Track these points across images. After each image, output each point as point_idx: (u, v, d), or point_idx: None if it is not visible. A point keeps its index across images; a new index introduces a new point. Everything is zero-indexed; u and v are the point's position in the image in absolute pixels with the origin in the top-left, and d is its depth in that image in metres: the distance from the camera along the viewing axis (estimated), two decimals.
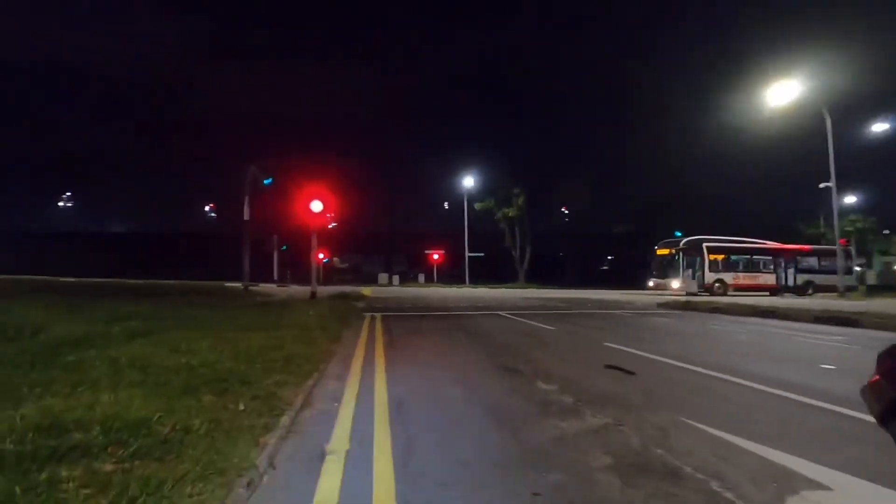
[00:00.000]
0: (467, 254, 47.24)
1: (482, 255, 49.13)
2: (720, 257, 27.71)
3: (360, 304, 16.78)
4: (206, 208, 67.75)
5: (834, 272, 25.89)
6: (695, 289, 25.70)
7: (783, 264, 29.18)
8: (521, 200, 49.90)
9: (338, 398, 4.37)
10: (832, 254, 26.74)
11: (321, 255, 51.97)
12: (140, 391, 3.53)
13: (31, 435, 2.48)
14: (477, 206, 50.93)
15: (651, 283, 29.51)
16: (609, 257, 73.57)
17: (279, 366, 5.06)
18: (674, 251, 27.92)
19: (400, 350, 7.17)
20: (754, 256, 29.32)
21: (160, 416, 2.96)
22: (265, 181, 26.45)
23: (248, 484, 2.36)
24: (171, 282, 29.19)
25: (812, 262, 29.96)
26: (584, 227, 65.32)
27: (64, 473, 2.13)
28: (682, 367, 6.12)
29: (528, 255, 51.44)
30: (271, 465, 2.69)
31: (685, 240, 28.59)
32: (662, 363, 6.44)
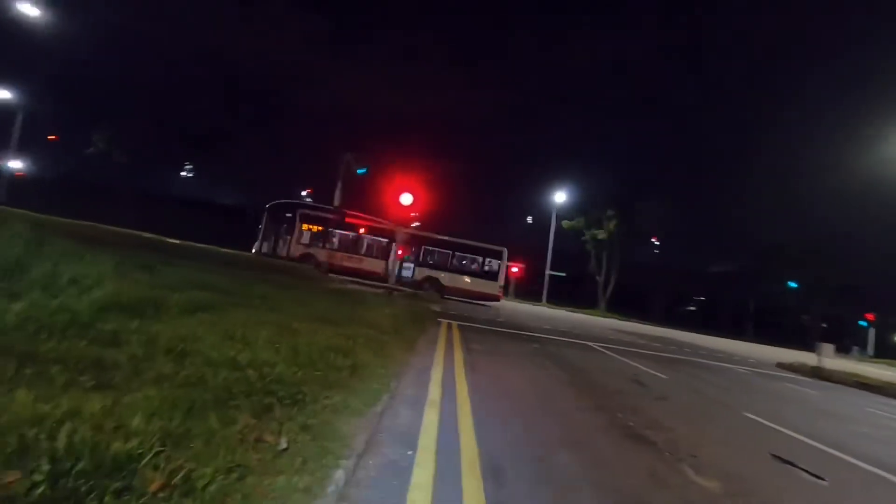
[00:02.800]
0: (548, 271, 44.93)
1: (563, 274, 46.54)
2: (316, 228, 22.64)
3: (436, 308, 15.78)
4: (304, 193, 71.15)
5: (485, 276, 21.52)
6: (286, 255, 21.51)
7: (400, 251, 22.27)
8: (612, 224, 46.80)
9: (412, 442, 3.19)
10: (486, 253, 22.45)
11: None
12: (156, 393, 2.58)
13: None
14: (565, 224, 48.54)
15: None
16: (698, 297, 67.26)
17: (343, 377, 4.00)
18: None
19: (483, 376, 5.90)
20: (363, 235, 23.12)
21: (158, 452, 1.93)
22: (359, 171, 26.57)
23: None
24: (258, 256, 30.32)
25: (456, 258, 23.49)
26: (675, 261, 59.97)
27: None
28: (882, 478, 4.26)
29: (612, 283, 48.08)
30: None
31: (278, 201, 23.36)
32: (847, 464, 4.59)
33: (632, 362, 9.79)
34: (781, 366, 15.56)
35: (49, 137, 59.69)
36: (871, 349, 39.83)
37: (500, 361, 7.29)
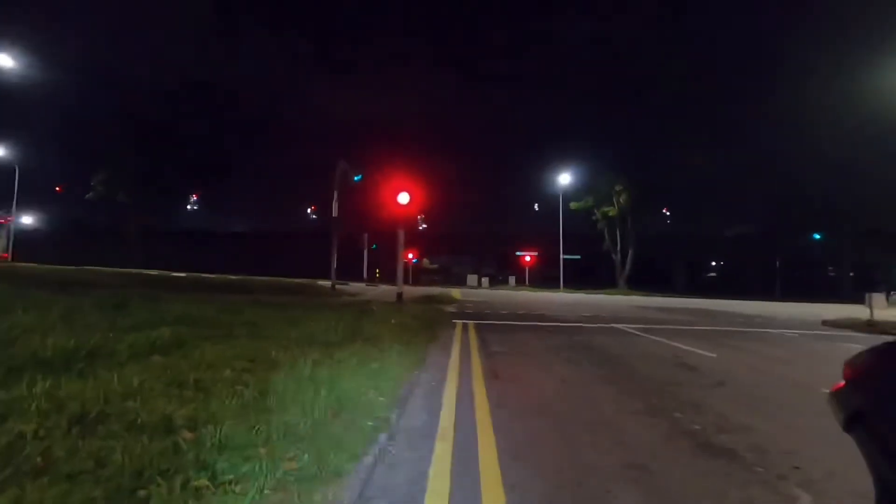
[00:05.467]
0: (562, 256, 43.73)
1: (578, 257, 45.30)
2: None
3: (450, 309, 14.88)
4: (308, 210, 70.80)
5: None
6: None
7: None
8: (623, 198, 45.41)
9: None
10: None
11: (410, 256, 51.69)
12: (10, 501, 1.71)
13: None
14: (573, 205, 47.29)
15: None
16: (717, 263, 65.22)
17: (323, 419, 3.11)
18: None
19: (507, 384, 4.97)
20: None
21: None
22: (355, 177, 25.77)
23: None
24: (266, 278, 29.73)
25: None
26: (691, 228, 58.15)
27: None
28: None
29: (629, 259, 46.65)
30: None
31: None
32: None
33: (670, 342, 8.77)
34: (828, 323, 14.35)
35: (56, 189, 60.09)
36: None
37: (525, 363, 6.35)
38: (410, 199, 14.81)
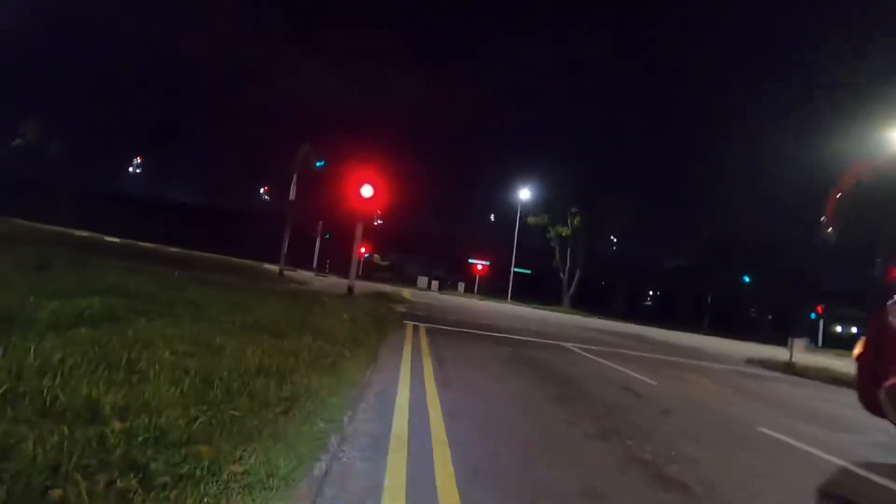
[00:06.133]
0: (513, 269, 44.44)
1: (529, 272, 46.23)
2: None
3: (401, 308, 14.64)
4: (262, 190, 68.10)
5: None
6: None
7: None
8: (577, 220, 46.80)
9: None
10: None
11: (363, 250, 50.84)
12: None
13: None
14: (530, 220, 48.20)
15: None
16: (653, 292, 68.71)
17: (274, 417, 2.85)
18: None
19: (461, 395, 4.85)
20: None
21: None
22: (318, 163, 25.01)
23: None
24: (210, 255, 28.22)
25: None
26: (634, 257, 61.08)
27: None
28: None
29: (576, 279, 48.13)
30: None
31: None
32: None
33: (615, 366, 8.99)
34: (751, 362, 15.30)
35: None
36: (819, 340, 41.40)
37: (477, 374, 6.26)
38: (374, 194, 14.48)
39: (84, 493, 1.69)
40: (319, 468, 2.49)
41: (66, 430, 2.03)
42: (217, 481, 1.98)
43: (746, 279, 53.73)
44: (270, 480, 2.14)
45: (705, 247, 56.48)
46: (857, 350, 4.77)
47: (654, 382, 7.65)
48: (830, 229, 5.49)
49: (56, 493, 1.68)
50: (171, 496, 1.81)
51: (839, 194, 5.43)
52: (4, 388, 2.28)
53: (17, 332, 3.21)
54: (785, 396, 8.92)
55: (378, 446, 3.08)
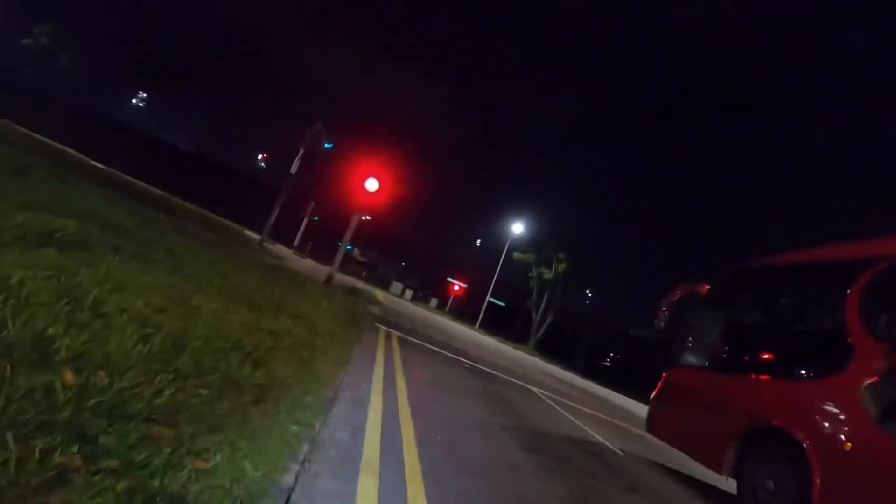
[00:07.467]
0: (489, 297, 44.26)
1: (503, 304, 46.13)
2: None
3: (374, 310, 14.21)
4: (259, 156, 66.98)
5: None
6: None
7: None
8: (561, 267, 47.05)
9: None
10: None
11: (349, 246, 49.94)
12: None
13: None
14: (515, 255, 48.25)
15: None
16: (613, 354, 69.32)
17: (245, 404, 2.49)
18: None
19: (433, 422, 4.53)
20: None
21: None
22: (326, 145, 24.61)
23: None
24: (193, 206, 27.34)
25: None
26: (603, 317, 61.84)
27: None
28: None
29: (547, 323, 48.16)
30: None
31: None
32: None
33: (581, 424, 8.75)
34: None
35: None
36: None
37: (449, 401, 5.95)
38: (378, 189, 14.15)
39: (13, 461, 1.32)
40: (286, 482, 2.14)
41: (7, 371, 1.66)
42: (174, 478, 1.62)
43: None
44: (233, 488, 1.79)
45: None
46: (653, 394, 7.45)
47: (621, 452, 7.41)
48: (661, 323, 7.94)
49: None
50: (118, 487, 1.45)
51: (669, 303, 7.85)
52: None
53: None
54: None
55: (349, 462, 2.73)
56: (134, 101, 66.72)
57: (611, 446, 7.55)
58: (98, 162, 29.17)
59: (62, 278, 2.81)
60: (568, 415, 9.37)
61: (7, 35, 45.16)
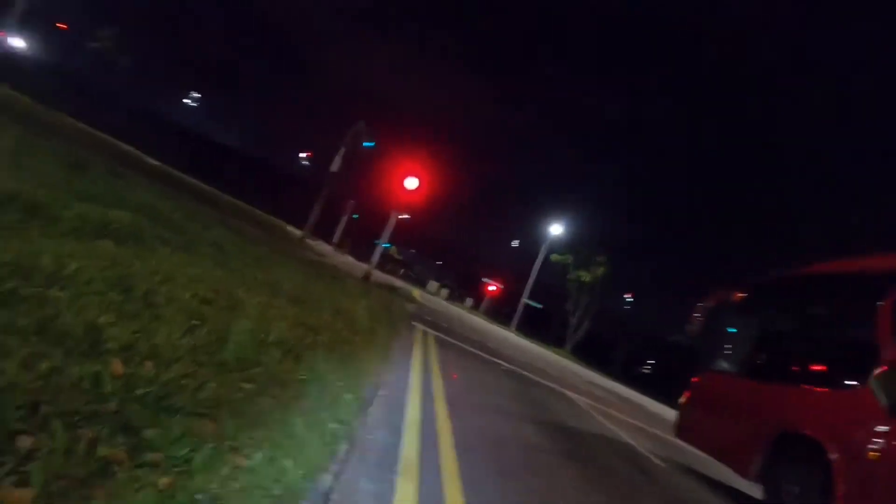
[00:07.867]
0: (526, 299, 43.69)
1: (541, 306, 45.46)
2: None
3: (410, 307, 14.24)
4: (303, 155, 68.69)
5: None
6: None
7: None
8: (601, 271, 45.93)
9: None
10: None
11: (386, 244, 50.58)
12: None
13: None
14: (553, 257, 47.42)
15: None
16: (651, 361, 67.15)
17: (287, 400, 2.47)
18: None
19: (471, 424, 4.44)
20: None
21: None
22: (366, 143, 24.92)
23: None
24: (236, 201, 28.32)
25: None
26: (645, 321, 60.03)
27: None
28: None
29: (584, 327, 47.13)
30: None
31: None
32: None
33: (619, 431, 8.45)
34: None
35: (58, 24, 55.84)
36: None
37: (487, 404, 5.83)
38: (418, 188, 14.18)
39: (59, 451, 1.31)
40: (325, 482, 2.09)
41: (57, 359, 1.67)
42: (215, 475, 1.59)
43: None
44: (272, 487, 1.75)
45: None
46: (683, 399, 7.57)
47: (662, 465, 7.09)
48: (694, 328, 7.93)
49: (26, 440, 1.31)
50: (160, 483, 1.42)
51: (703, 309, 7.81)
52: (7, 288, 1.94)
53: (37, 224, 2.91)
54: None
55: (387, 464, 2.67)
56: (186, 101, 69.70)
57: (654, 459, 7.24)
58: (152, 158, 30.67)
59: (116, 267, 2.88)
60: (608, 424, 9.06)
61: (75, 39, 48.31)
